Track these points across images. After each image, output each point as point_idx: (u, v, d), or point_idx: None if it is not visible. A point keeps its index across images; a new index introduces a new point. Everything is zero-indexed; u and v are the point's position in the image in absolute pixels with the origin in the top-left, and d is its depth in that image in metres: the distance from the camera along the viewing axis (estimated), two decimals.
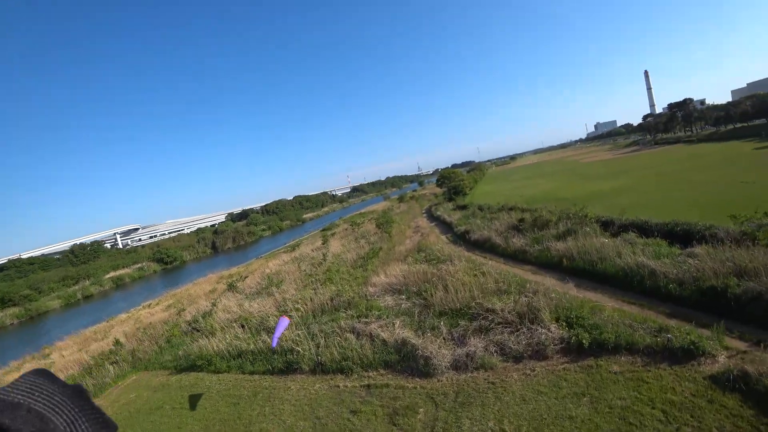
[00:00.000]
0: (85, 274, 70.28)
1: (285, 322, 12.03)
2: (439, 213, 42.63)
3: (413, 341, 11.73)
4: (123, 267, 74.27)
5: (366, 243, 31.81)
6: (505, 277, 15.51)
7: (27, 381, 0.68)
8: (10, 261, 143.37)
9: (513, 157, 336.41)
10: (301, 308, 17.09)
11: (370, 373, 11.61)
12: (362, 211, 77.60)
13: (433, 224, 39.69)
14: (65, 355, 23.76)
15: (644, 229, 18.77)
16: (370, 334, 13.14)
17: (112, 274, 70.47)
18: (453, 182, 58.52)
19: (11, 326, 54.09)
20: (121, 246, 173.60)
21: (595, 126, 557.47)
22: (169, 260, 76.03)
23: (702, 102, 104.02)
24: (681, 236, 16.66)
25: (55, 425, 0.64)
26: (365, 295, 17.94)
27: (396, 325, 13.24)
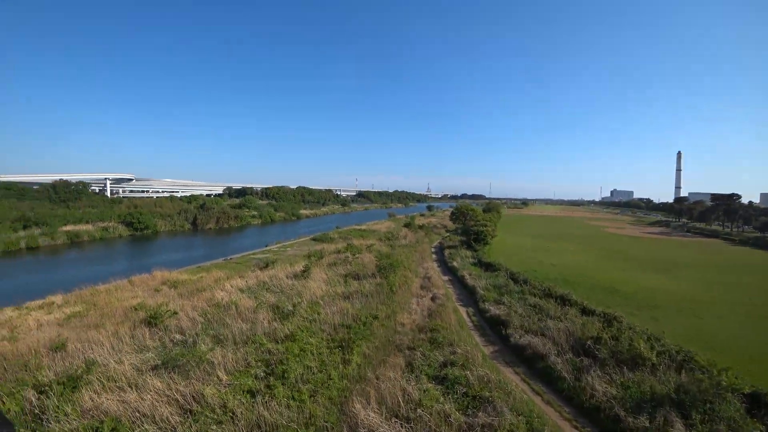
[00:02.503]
0: (41, 220, 61.45)
1: None
2: (455, 264, 34.21)
3: None
4: (85, 222, 65.41)
5: (359, 292, 23.35)
6: None
7: None
8: None
9: (525, 202, 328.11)
10: None
11: None
12: (363, 227, 69.01)
13: (447, 279, 31.29)
14: None
15: None
16: None
17: (69, 227, 61.54)
18: (474, 225, 50.02)
19: None
20: (108, 193, 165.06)
21: (611, 192, 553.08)
22: (139, 227, 67.33)
23: (750, 203, 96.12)
24: None
25: None
26: None
27: None
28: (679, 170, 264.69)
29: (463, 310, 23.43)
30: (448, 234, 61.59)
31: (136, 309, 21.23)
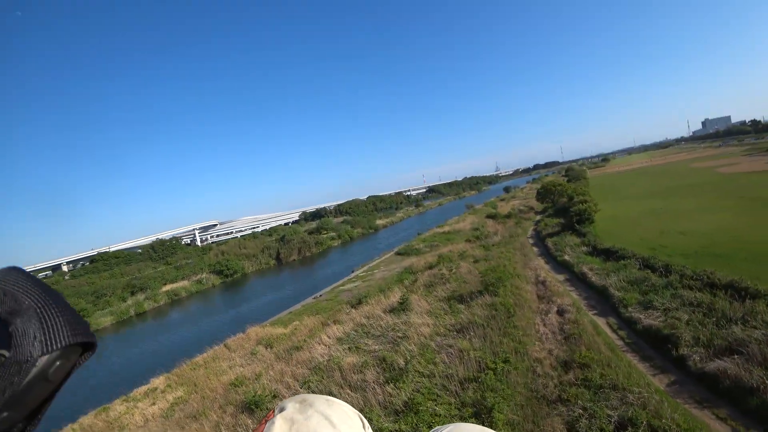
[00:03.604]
0: (144, 285, 65.66)
1: None
2: (566, 257, 29.55)
3: None
4: (181, 278, 68.90)
5: (471, 322, 19.91)
6: None
7: (2, 271, 0.76)
8: (99, 254, 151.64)
9: (606, 158, 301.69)
10: None
11: None
12: (444, 228, 64.99)
13: (563, 278, 26.83)
14: None
15: None
16: None
17: (168, 287, 65.05)
18: (570, 203, 44.41)
19: None
20: (199, 242, 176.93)
21: (703, 123, 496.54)
22: (228, 273, 69.46)
23: None
24: None
25: (28, 305, 0.68)
26: None
27: None
28: None
29: (601, 322, 19.12)
30: (539, 217, 55.97)
31: (235, 386, 19.69)
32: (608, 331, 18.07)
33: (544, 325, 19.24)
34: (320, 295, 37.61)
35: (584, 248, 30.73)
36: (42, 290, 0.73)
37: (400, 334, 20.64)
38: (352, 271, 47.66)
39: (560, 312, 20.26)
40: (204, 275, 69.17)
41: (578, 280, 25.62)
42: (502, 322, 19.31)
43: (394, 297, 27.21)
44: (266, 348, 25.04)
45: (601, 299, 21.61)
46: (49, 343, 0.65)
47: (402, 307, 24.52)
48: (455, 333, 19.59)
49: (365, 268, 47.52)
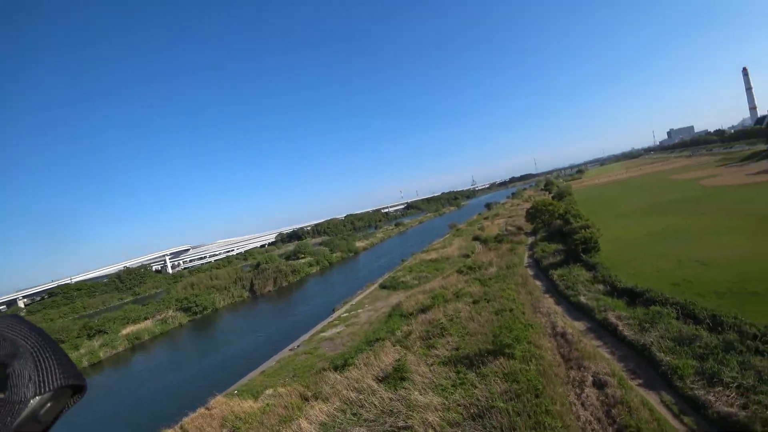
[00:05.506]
0: (102, 327, 58.64)
1: None
2: (581, 299, 25.66)
3: None
4: (144, 318, 62.05)
5: (489, 405, 15.64)
6: None
7: (1, 318, 0.91)
8: (59, 286, 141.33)
9: (580, 170, 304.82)
10: None
11: None
12: (431, 254, 60.48)
13: (582, 326, 22.86)
14: None
15: None
16: None
17: (129, 329, 58.23)
18: (568, 227, 40.78)
19: None
20: (170, 269, 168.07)
21: (668, 133, 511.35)
22: (197, 309, 63.18)
23: None
24: None
25: (25, 349, 0.76)
26: None
27: None
28: (749, 89, 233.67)
29: (654, 400, 15.12)
30: (532, 240, 52.60)
31: None
32: (669, 416, 14.07)
33: (584, 406, 15.18)
34: (297, 347, 32.61)
35: (600, 286, 26.91)
36: (38, 335, 0.79)
37: (401, 423, 16.22)
38: (333, 311, 42.73)
39: (598, 384, 16.25)
40: (170, 313, 62.66)
41: (603, 329, 21.75)
42: (530, 406, 15.10)
43: (387, 357, 22.81)
44: None
45: (643, 362, 17.69)
46: (42, 384, 0.70)
47: (398, 375, 20.10)
48: (471, 421, 15.31)
49: (347, 306, 42.64)
